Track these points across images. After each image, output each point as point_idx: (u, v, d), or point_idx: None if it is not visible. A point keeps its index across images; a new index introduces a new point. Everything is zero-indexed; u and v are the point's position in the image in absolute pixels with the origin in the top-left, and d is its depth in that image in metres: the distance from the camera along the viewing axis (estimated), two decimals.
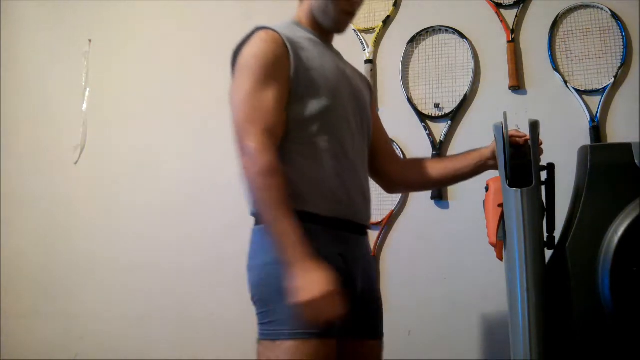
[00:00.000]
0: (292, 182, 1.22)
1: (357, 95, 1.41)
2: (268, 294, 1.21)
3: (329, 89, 1.31)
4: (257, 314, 1.24)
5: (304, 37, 1.36)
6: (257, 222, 1.29)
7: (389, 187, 1.63)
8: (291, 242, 1.14)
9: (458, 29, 2.22)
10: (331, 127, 1.30)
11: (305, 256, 1.14)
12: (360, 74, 1.54)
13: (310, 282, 1.11)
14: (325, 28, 1.41)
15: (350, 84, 1.40)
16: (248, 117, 1.22)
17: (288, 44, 1.28)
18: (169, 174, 2.60)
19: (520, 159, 1.31)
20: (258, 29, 1.32)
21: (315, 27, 1.41)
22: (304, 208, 1.23)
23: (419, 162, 1.57)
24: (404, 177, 1.57)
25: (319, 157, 1.28)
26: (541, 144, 1.40)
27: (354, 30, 2.34)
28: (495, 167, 1.40)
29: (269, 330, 1.20)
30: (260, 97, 1.23)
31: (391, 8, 2.34)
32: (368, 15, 2.36)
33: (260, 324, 1.22)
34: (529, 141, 1.34)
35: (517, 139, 1.37)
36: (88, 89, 2.85)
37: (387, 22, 2.35)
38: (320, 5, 1.38)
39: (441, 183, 1.77)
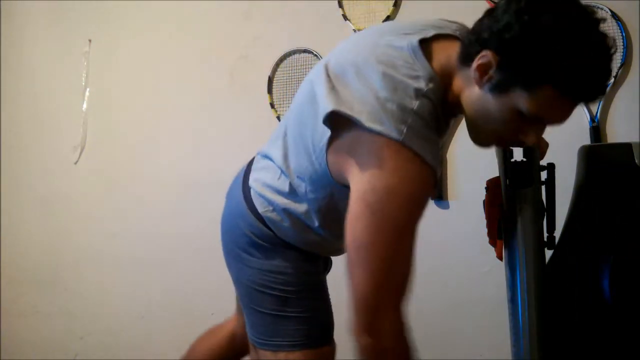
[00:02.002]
0: (303, 220, 1.09)
1: None
2: (266, 302, 1.15)
3: None
4: (249, 317, 1.18)
5: (438, 133, 1.02)
6: (262, 223, 1.17)
7: None
8: None
9: None
10: None
11: None
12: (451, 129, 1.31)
13: None
14: (469, 133, 1.07)
15: None
16: (384, 285, 0.92)
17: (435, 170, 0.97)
18: (169, 174, 2.60)
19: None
20: (416, 154, 0.92)
21: (454, 114, 1.08)
22: (289, 240, 1.15)
23: None
24: None
25: (334, 228, 1.09)
26: (547, 146, 1.39)
27: (354, 31, 2.34)
28: None
29: (268, 340, 1.15)
30: (405, 256, 0.94)
31: (391, 8, 2.34)
32: (368, 16, 2.36)
33: (254, 330, 1.17)
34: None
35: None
36: (88, 89, 2.84)
37: (390, 16, 2.35)
38: (474, 114, 1.00)
39: None
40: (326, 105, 0.97)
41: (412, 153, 0.92)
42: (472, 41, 0.96)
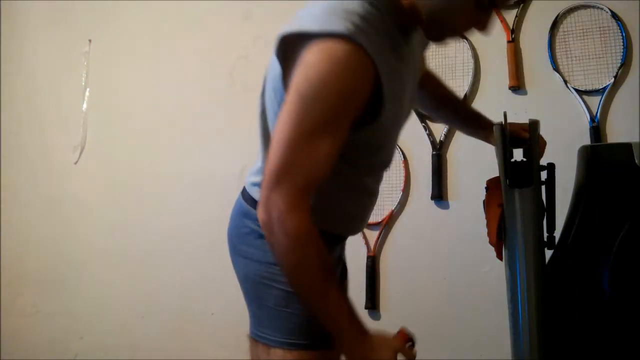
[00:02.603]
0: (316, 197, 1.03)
1: (411, 105, 1.22)
2: (272, 296, 1.12)
3: (393, 126, 1.11)
4: (253, 312, 1.17)
5: (392, 46, 1.03)
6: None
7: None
8: (341, 325, 0.99)
9: None
10: (375, 160, 1.14)
11: (359, 337, 1.01)
12: (420, 55, 1.31)
13: (381, 348, 1.01)
14: (426, 31, 1.07)
15: (412, 96, 1.20)
16: (287, 166, 0.95)
17: (382, 77, 0.97)
18: (168, 174, 2.61)
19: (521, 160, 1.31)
20: (342, 35, 0.93)
21: (410, 23, 1.06)
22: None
23: (450, 99, 1.51)
24: (432, 96, 1.47)
25: (352, 188, 1.13)
26: (545, 144, 1.39)
27: None
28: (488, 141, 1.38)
29: (270, 336, 1.13)
30: (316, 144, 0.95)
31: None
32: None
33: (258, 324, 1.16)
34: (529, 141, 1.34)
35: (523, 132, 1.35)
36: (88, 89, 2.85)
37: None
38: (447, 9, 1.01)
39: (449, 123, 1.81)
40: (276, 42, 1.02)
41: (355, 45, 0.93)
42: None
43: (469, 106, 1.57)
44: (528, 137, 1.33)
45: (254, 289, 1.16)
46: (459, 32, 1.07)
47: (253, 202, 1.15)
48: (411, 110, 1.24)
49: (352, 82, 0.95)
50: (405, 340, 1.07)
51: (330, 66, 0.93)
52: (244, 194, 1.21)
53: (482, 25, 1.04)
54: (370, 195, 1.22)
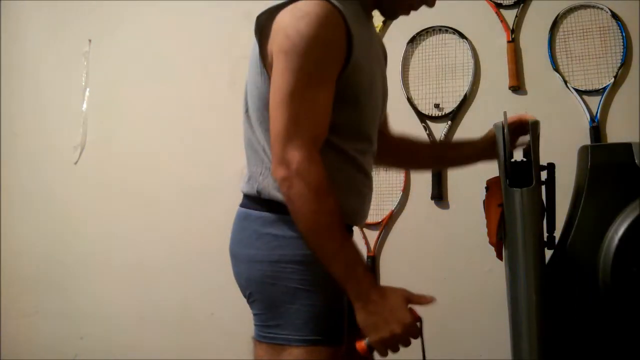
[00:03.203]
0: None
1: (384, 89, 1.26)
2: (277, 294, 1.11)
3: (371, 97, 1.16)
4: (258, 314, 1.15)
5: (356, 16, 1.11)
6: (266, 209, 1.14)
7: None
8: (359, 273, 1.02)
9: (458, 29, 2.22)
10: (360, 136, 1.16)
11: (373, 286, 1.03)
12: (381, 44, 1.36)
13: (389, 316, 1.01)
14: (384, 7, 1.19)
15: (383, 77, 1.25)
16: (294, 120, 1.00)
17: (352, 33, 1.04)
18: (168, 174, 2.61)
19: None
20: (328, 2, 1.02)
21: (369, 2, 1.17)
22: None
23: (410, 142, 1.46)
24: (392, 151, 1.42)
25: (346, 168, 1.14)
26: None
27: None
28: (491, 157, 1.34)
29: (276, 334, 1.11)
30: (312, 96, 1.02)
31: None
32: None
33: (263, 325, 1.14)
34: (529, 140, 1.34)
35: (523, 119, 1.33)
36: (88, 89, 2.85)
37: (387, 22, 2.34)
38: None
39: (428, 168, 1.66)
40: (255, 24, 1.10)
41: (324, 1, 1.02)
42: None
43: (450, 141, 1.55)
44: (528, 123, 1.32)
45: (259, 290, 1.14)
46: (412, 7, 1.19)
47: (250, 203, 1.16)
48: (384, 100, 1.28)
49: (329, 32, 1.02)
50: (416, 318, 1.08)
51: (307, 20, 1.00)
52: (242, 202, 1.21)
53: (432, 1, 1.18)
54: (364, 176, 1.19)
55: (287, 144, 1.00)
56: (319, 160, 1.01)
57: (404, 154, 1.46)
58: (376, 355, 1.08)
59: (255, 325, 1.17)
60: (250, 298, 1.16)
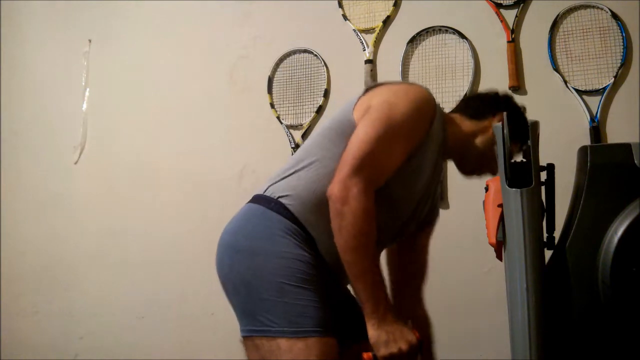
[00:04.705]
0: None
1: (429, 205, 1.41)
2: (269, 286, 1.17)
3: (412, 186, 1.30)
4: (244, 309, 1.21)
5: (439, 135, 1.31)
6: (261, 203, 1.26)
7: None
8: (380, 296, 1.14)
9: (458, 29, 2.22)
10: (389, 214, 1.28)
11: (389, 310, 1.14)
12: (438, 203, 1.54)
13: (399, 337, 1.12)
14: (459, 160, 1.40)
15: (428, 195, 1.39)
16: (369, 157, 1.16)
17: (433, 129, 1.25)
18: (168, 174, 2.61)
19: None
20: (423, 88, 1.29)
21: (452, 146, 1.37)
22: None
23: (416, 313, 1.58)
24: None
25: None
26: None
27: (354, 31, 2.34)
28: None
29: (266, 327, 1.16)
30: (389, 150, 1.19)
31: (391, 8, 2.34)
32: (368, 16, 2.37)
33: (251, 320, 1.19)
34: (528, 141, 1.34)
35: None
36: (88, 89, 2.85)
37: (387, 22, 2.35)
38: (484, 153, 1.36)
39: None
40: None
41: (431, 100, 1.27)
42: (484, 105, 1.41)
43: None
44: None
45: (246, 284, 1.21)
46: (482, 173, 1.41)
47: (280, 210, 1.24)
48: (424, 205, 1.40)
49: (426, 116, 1.23)
50: (418, 339, 1.18)
51: (419, 94, 1.25)
52: (269, 203, 1.26)
53: (495, 170, 1.34)
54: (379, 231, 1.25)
55: (356, 172, 1.14)
56: (373, 196, 1.15)
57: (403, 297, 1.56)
58: None
59: (243, 322, 1.22)
60: (236, 296, 1.23)
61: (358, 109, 1.25)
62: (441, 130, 1.31)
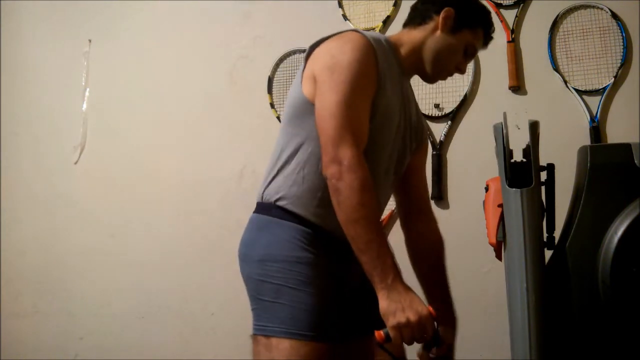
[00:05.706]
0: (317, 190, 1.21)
1: (406, 138, 1.38)
2: (270, 287, 1.21)
3: (383, 129, 1.27)
4: (252, 308, 1.25)
5: (391, 66, 1.29)
6: (264, 212, 1.27)
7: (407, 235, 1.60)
8: (387, 264, 1.12)
9: None
10: (370, 161, 1.24)
11: (398, 278, 1.12)
12: (421, 124, 1.49)
13: (407, 305, 1.09)
14: (421, 72, 1.38)
15: (405, 127, 1.36)
16: (345, 124, 1.15)
17: (380, 66, 1.23)
18: (169, 174, 2.61)
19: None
20: (351, 31, 1.27)
21: (409, 63, 1.36)
22: (305, 214, 1.23)
23: (426, 249, 1.56)
24: (415, 243, 1.58)
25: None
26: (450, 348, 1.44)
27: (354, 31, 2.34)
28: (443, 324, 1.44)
29: (262, 326, 1.21)
30: (359, 105, 1.18)
31: (391, 8, 2.34)
32: (368, 15, 2.37)
33: (256, 319, 1.23)
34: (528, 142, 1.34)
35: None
36: (88, 89, 2.85)
37: (387, 22, 2.35)
38: (437, 53, 1.35)
39: (415, 270, 1.65)
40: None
41: (366, 39, 1.23)
42: (427, 8, 1.37)
43: (441, 288, 1.57)
44: None
45: (254, 288, 1.24)
46: (447, 75, 1.41)
47: (257, 208, 1.29)
48: (404, 146, 1.38)
49: (367, 57, 1.21)
50: (432, 313, 1.14)
51: (350, 44, 1.21)
52: (269, 210, 1.27)
53: (464, 69, 1.42)
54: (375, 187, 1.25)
55: (340, 144, 1.13)
56: (364, 161, 1.14)
57: (414, 251, 1.57)
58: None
59: (253, 321, 1.25)
60: (249, 296, 1.26)
61: (305, 83, 1.24)
62: (391, 57, 1.30)
